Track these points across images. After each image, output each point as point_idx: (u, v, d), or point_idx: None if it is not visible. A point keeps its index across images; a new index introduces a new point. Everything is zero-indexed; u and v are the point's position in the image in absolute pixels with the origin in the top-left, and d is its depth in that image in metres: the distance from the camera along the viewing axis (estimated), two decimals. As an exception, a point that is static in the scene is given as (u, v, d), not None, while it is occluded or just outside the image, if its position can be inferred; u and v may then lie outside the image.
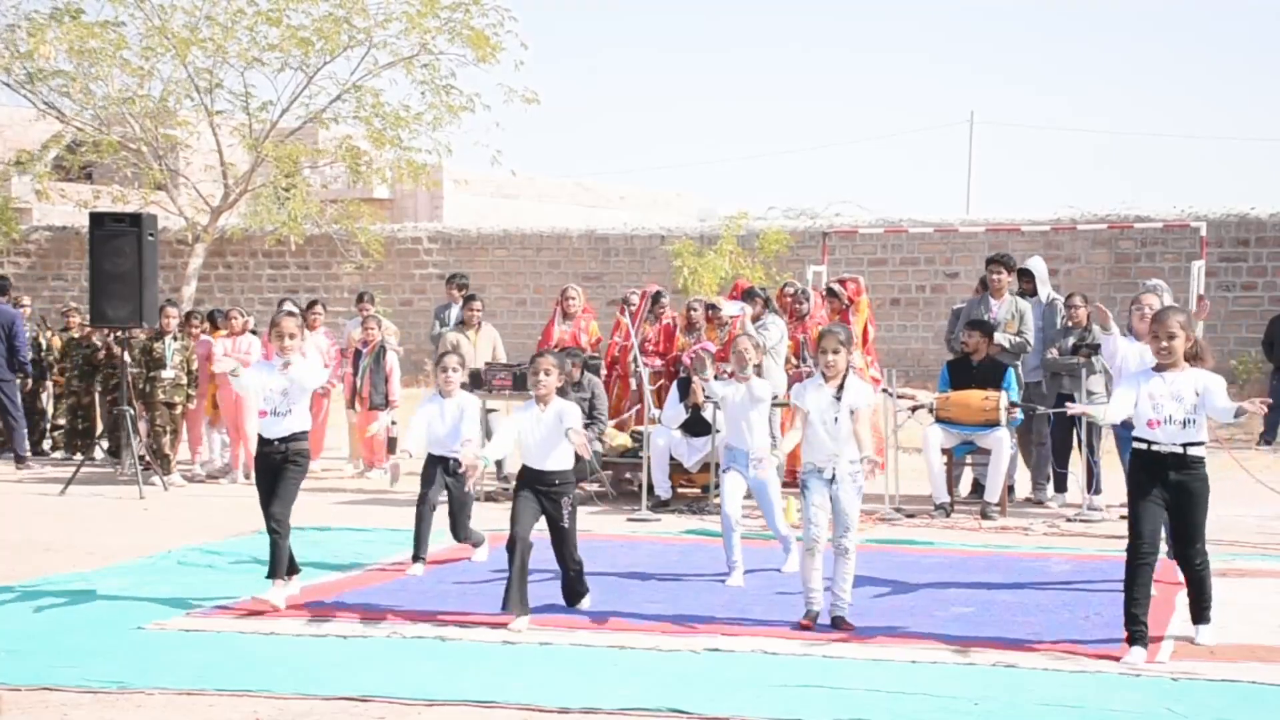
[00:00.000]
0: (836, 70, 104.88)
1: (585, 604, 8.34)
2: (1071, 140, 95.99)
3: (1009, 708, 6.36)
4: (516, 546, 7.97)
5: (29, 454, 15.73)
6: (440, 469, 9.68)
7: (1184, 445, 7.31)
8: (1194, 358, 7.46)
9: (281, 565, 8.36)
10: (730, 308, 13.23)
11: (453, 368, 9.65)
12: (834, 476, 7.90)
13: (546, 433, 8.13)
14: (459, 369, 9.79)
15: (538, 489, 8.17)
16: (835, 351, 7.91)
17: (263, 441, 8.50)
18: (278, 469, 8.42)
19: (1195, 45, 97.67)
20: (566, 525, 8.20)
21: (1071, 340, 12.77)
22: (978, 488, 12.98)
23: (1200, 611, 7.56)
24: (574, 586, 8.37)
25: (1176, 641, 7.54)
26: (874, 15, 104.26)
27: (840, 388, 7.90)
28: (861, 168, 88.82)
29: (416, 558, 9.64)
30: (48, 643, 7.51)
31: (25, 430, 15.90)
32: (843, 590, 7.93)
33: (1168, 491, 7.37)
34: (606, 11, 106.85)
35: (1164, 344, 7.41)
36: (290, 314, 8.73)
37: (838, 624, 7.85)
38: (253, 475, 14.13)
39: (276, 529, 8.34)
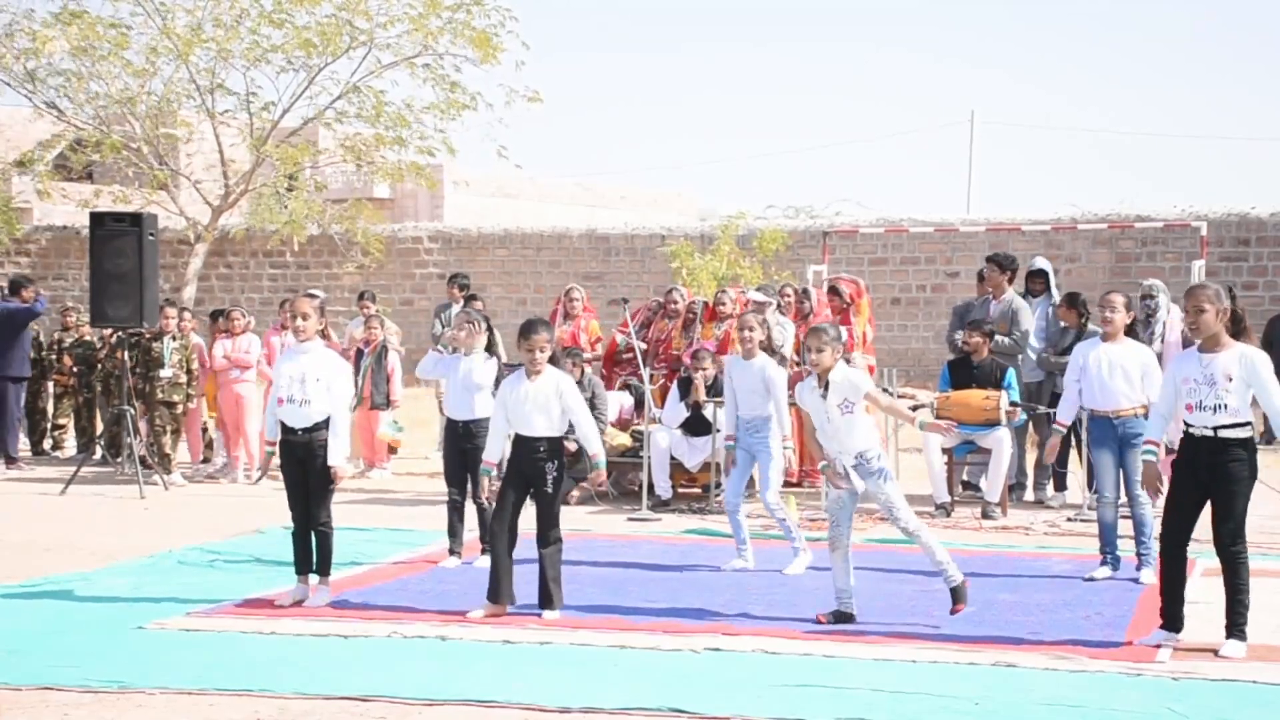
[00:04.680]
0: (837, 70, 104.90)
1: (551, 615, 8.05)
2: (1072, 140, 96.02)
3: (1009, 707, 6.36)
4: (493, 536, 8.17)
5: (18, 454, 15.68)
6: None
7: (1214, 429, 7.23)
8: (1240, 332, 7.36)
9: (329, 562, 8.49)
10: (759, 296, 13.29)
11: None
12: (846, 471, 7.92)
13: (541, 402, 8.11)
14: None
15: (524, 462, 8.16)
16: (820, 350, 7.87)
17: (286, 429, 8.43)
18: (302, 462, 8.37)
19: (1195, 45, 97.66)
20: (550, 490, 8.13)
21: (1069, 340, 12.78)
22: (967, 487, 13.02)
23: (1233, 618, 7.31)
24: (546, 579, 8.12)
25: (1177, 646, 7.52)
26: (874, 15, 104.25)
27: (826, 386, 7.89)
28: (861, 167, 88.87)
29: (452, 551, 9.85)
30: (48, 643, 7.50)
31: (18, 431, 15.86)
32: (939, 564, 7.89)
33: (1203, 475, 7.30)
34: (606, 11, 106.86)
35: (1191, 319, 7.33)
36: (309, 295, 8.61)
37: (955, 595, 7.83)
38: (254, 475, 14.30)
39: (324, 529, 8.42)
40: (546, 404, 8.13)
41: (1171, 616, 7.49)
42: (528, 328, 8.22)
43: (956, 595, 7.83)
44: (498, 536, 8.20)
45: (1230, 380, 7.21)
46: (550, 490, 8.14)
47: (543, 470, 8.13)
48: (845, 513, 8.04)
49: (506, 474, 8.30)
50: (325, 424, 8.37)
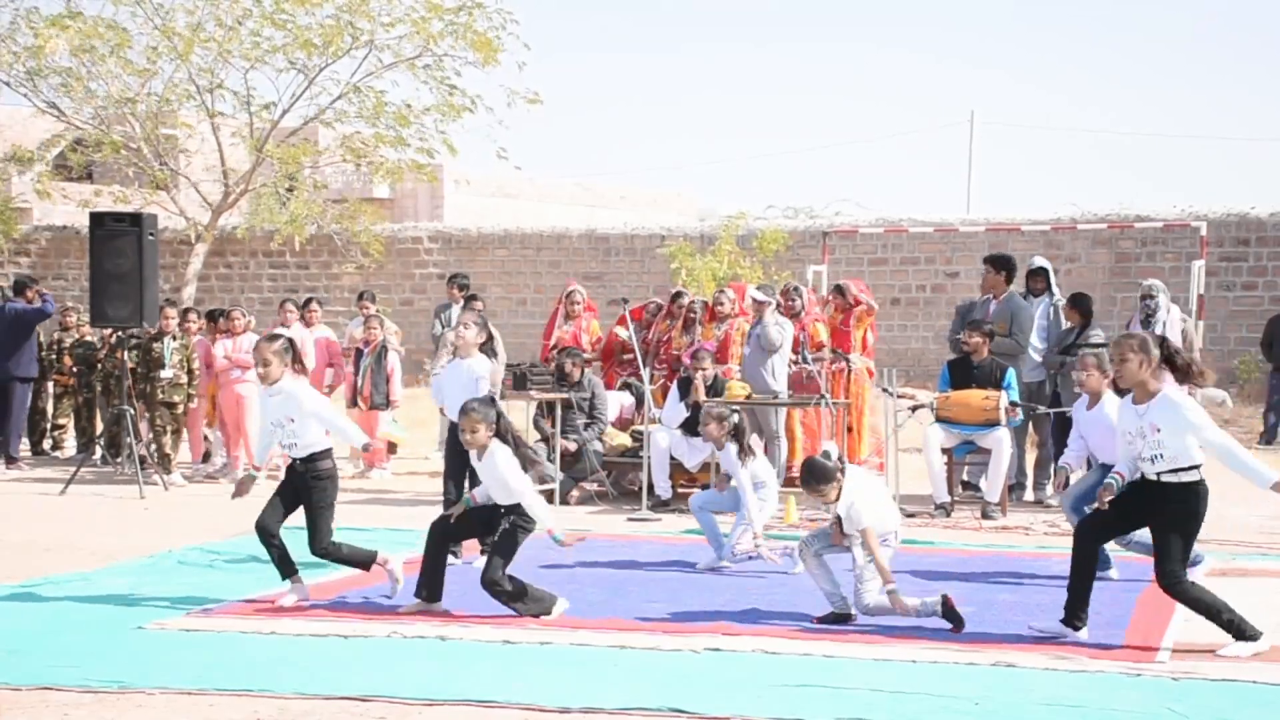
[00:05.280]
0: (836, 69, 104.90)
1: (556, 609, 8.11)
2: (1072, 140, 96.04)
3: (1009, 708, 6.36)
4: (431, 535, 8.33)
5: (19, 455, 15.71)
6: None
7: (1157, 474, 7.32)
8: (1187, 376, 7.39)
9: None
10: (759, 294, 13.29)
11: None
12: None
13: (492, 479, 8.16)
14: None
15: (486, 507, 8.33)
16: (824, 495, 8.02)
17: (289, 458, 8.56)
18: (299, 490, 8.42)
19: (1195, 45, 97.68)
20: (497, 539, 8.13)
21: (1072, 339, 12.80)
22: (967, 487, 13.04)
23: (1233, 633, 7.29)
24: (514, 611, 8.11)
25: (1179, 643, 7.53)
26: (874, 15, 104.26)
27: (839, 518, 8.03)
28: (861, 167, 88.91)
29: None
30: (48, 643, 7.50)
31: (21, 431, 15.88)
32: (917, 611, 7.88)
33: (1145, 508, 7.40)
34: (606, 11, 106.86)
35: (1116, 368, 7.45)
36: (272, 338, 8.61)
37: (948, 618, 7.82)
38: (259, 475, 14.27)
39: (325, 555, 8.41)
40: (493, 479, 8.17)
41: (1072, 613, 7.56)
42: (460, 410, 8.26)
43: (949, 617, 7.82)
44: (435, 537, 8.27)
45: (1159, 431, 7.26)
46: (497, 539, 8.12)
47: (498, 521, 8.17)
48: (827, 540, 8.15)
49: (478, 506, 8.34)
50: (323, 453, 8.43)
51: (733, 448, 9.77)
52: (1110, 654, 7.24)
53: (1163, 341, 7.49)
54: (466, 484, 9.66)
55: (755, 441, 10.04)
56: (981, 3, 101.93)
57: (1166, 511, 7.31)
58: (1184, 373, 7.40)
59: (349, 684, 6.64)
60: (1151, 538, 7.43)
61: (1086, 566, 7.57)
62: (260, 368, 8.44)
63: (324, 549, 8.42)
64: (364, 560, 8.53)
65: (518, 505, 8.12)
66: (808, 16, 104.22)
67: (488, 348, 10.04)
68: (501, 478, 8.05)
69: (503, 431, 8.13)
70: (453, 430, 9.80)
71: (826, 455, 8.10)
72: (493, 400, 8.41)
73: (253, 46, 21.97)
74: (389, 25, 21.83)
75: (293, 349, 8.52)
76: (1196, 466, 7.30)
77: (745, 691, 6.56)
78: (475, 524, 8.32)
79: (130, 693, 6.58)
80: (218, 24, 21.92)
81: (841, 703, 6.39)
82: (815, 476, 8.03)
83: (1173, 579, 7.30)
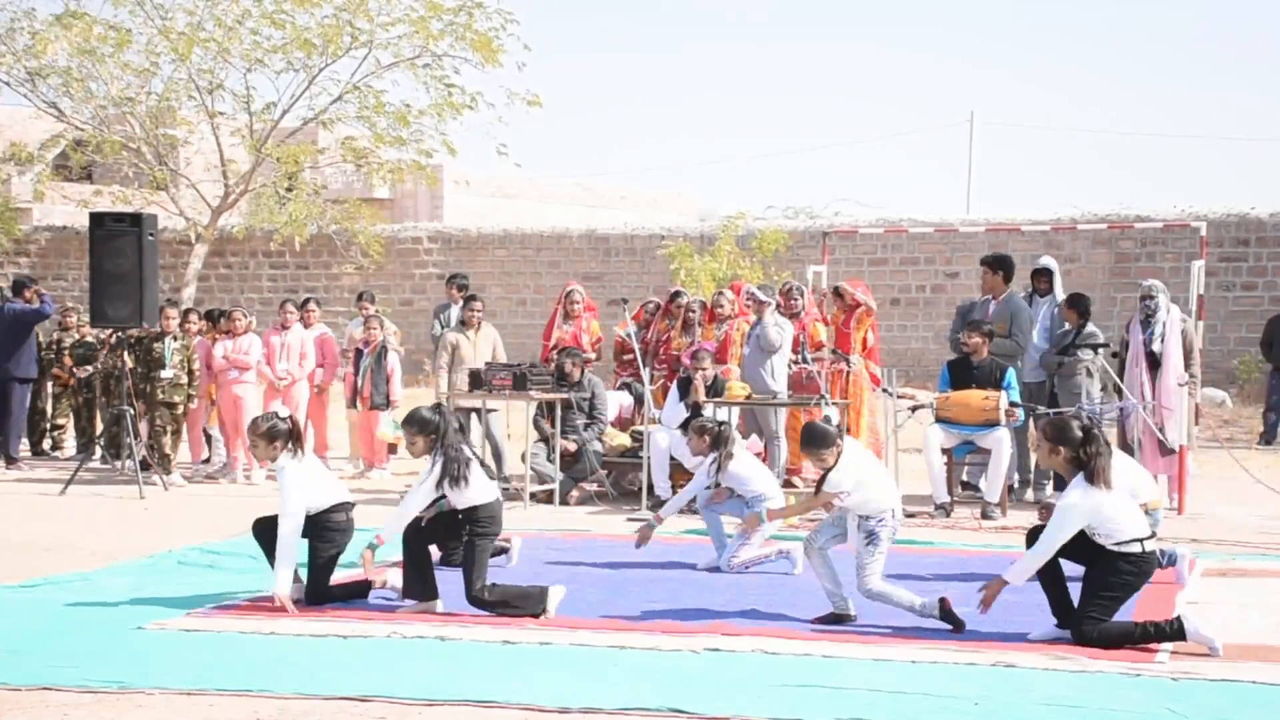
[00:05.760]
0: (837, 70, 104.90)
1: (554, 599, 8.11)
2: (1072, 140, 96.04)
3: (1009, 707, 6.36)
4: (407, 539, 8.32)
5: (19, 455, 15.71)
6: None
7: (1098, 539, 7.47)
8: (1080, 467, 7.47)
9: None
10: (758, 295, 13.27)
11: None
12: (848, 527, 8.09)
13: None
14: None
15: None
16: (821, 459, 8.07)
17: None
18: (308, 533, 8.46)
19: (1195, 45, 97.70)
20: (462, 551, 8.23)
21: (1069, 340, 12.79)
22: (967, 487, 13.03)
23: (1157, 635, 7.38)
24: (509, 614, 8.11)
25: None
26: (874, 15, 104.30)
27: (821, 478, 8.15)
28: (861, 167, 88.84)
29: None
30: (48, 643, 7.50)
31: (21, 432, 15.88)
32: (915, 607, 7.94)
33: (1088, 548, 7.48)
34: (606, 12, 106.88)
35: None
36: (263, 418, 8.57)
37: (947, 619, 7.85)
38: (252, 475, 14.31)
39: (321, 601, 8.41)
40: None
41: (1061, 616, 7.64)
42: (404, 418, 8.43)
43: (948, 619, 7.83)
44: (408, 540, 8.27)
45: None
46: (463, 556, 8.15)
47: (462, 530, 8.23)
48: (832, 531, 8.15)
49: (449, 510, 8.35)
50: (337, 508, 8.55)
51: (712, 457, 9.80)
52: (1110, 654, 7.24)
53: (1086, 437, 7.49)
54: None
55: (739, 449, 10.01)
56: (981, 3, 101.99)
57: (1100, 567, 7.45)
58: (1084, 469, 7.46)
59: (349, 684, 6.64)
60: (1082, 584, 7.53)
61: (1048, 571, 7.62)
62: (252, 450, 8.76)
63: (319, 596, 8.43)
64: (360, 592, 8.56)
65: (474, 512, 8.15)
66: (808, 16, 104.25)
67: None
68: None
69: (447, 446, 8.14)
70: None
71: (827, 420, 8.13)
72: (439, 409, 8.39)
73: (253, 46, 21.98)
74: (388, 25, 21.84)
75: (293, 428, 8.48)
76: (1137, 539, 7.43)
77: (745, 691, 6.56)
78: (441, 528, 8.35)
79: (130, 693, 6.58)
80: (218, 24, 21.93)
81: (841, 703, 6.39)
82: (815, 441, 8.07)
83: (1081, 633, 7.39)
